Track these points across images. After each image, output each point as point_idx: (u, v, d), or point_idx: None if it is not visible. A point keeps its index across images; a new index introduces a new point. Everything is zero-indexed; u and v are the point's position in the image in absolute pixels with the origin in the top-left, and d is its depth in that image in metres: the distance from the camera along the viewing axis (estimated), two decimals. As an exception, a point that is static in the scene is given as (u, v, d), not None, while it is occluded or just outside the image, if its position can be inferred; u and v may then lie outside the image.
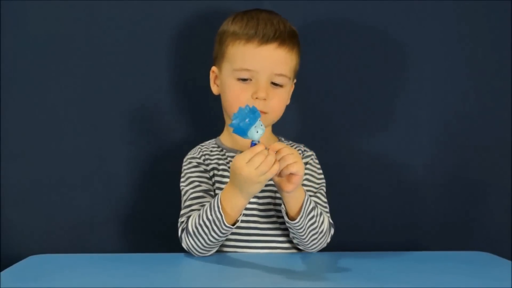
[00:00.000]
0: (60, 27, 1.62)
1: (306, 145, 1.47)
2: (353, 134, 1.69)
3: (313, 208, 1.28)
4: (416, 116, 1.69)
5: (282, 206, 1.28)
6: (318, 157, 1.46)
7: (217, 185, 1.37)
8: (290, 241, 1.37)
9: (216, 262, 1.27)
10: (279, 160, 1.19)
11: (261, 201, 1.36)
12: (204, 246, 1.28)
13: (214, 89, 1.43)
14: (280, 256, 1.34)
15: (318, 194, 1.38)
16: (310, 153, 1.44)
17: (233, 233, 1.31)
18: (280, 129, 1.48)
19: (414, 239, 1.69)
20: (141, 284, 1.12)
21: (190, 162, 1.41)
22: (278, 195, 1.34)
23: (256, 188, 1.21)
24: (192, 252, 1.30)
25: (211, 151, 1.42)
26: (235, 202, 1.23)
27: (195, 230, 1.26)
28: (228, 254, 1.34)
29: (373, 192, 1.69)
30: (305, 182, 1.38)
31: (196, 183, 1.36)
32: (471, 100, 1.69)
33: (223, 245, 1.35)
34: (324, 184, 1.42)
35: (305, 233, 1.29)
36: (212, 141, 1.47)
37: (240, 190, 1.21)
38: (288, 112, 1.44)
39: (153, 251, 1.36)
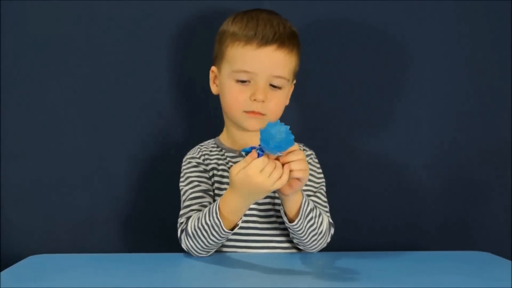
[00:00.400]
0: (60, 27, 1.62)
1: (306, 145, 1.47)
2: (353, 134, 1.68)
3: (311, 210, 1.28)
4: (416, 116, 1.69)
5: (281, 207, 1.28)
6: (317, 157, 1.46)
7: (216, 185, 1.37)
8: (289, 241, 1.37)
9: (216, 262, 1.27)
10: (286, 163, 1.18)
11: (260, 201, 1.36)
12: (204, 248, 1.28)
13: (213, 89, 1.43)
14: (280, 256, 1.34)
15: (318, 194, 1.38)
16: (309, 152, 1.45)
17: (233, 233, 1.31)
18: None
19: (414, 239, 1.69)
20: (141, 284, 1.12)
21: (189, 162, 1.41)
22: (277, 195, 1.34)
23: (262, 196, 1.22)
24: (192, 253, 1.30)
25: (211, 151, 1.42)
26: (236, 208, 1.23)
27: (194, 233, 1.27)
28: (228, 254, 1.34)
29: (373, 192, 1.69)
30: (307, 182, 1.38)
31: (196, 183, 1.36)
32: (471, 100, 1.69)
33: (222, 245, 1.35)
34: (324, 184, 1.42)
35: (304, 234, 1.29)
36: (212, 141, 1.46)
37: (245, 197, 1.21)
38: (287, 112, 1.43)
39: (153, 251, 1.36)
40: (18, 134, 1.62)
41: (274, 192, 1.34)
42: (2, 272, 1.18)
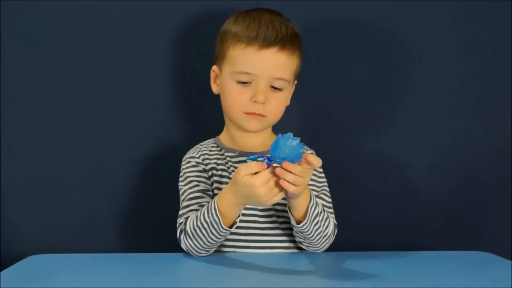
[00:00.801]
0: (60, 27, 1.62)
1: (306, 144, 1.47)
2: (353, 134, 1.68)
3: (318, 214, 1.27)
4: (416, 116, 1.69)
5: (287, 207, 1.28)
6: (318, 156, 1.45)
7: (215, 185, 1.37)
8: (290, 241, 1.37)
9: (216, 262, 1.27)
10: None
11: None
12: (203, 247, 1.28)
13: (214, 88, 1.43)
14: (281, 256, 1.33)
15: (322, 195, 1.38)
16: (310, 151, 1.44)
17: (232, 233, 1.31)
18: (281, 129, 1.48)
19: (414, 239, 1.69)
20: (141, 284, 1.12)
21: (189, 162, 1.40)
22: None
23: (259, 206, 1.25)
24: (191, 253, 1.29)
25: (210, 150, 1.42)
26: (232, 204, 1.23)
27: (193, 232, 1.26)
28: (228, 254, 1.34)
29: (373, 192, 1.69)
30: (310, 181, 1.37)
31: (195, 183, 1.36)
32: (471, 100, 1.69)
33: (222, 245, 1.35)
34: (326, 184, 1.41)
35: (312, 236, 1.28)
36: (211, 140, 1.46)
37: (243, 199, 1.21)
38: (288, 112, 1.44)
39: (153, 251, 1.36)
40: (18, 134, 1.62)
41: None
42: (2, 272, 1.18)
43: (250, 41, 1.32)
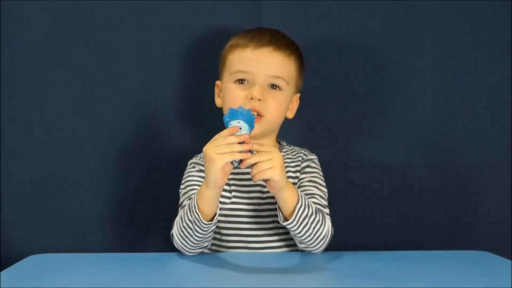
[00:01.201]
0: (61, 27, 1.62)
1: (308, 147, 1.47)
2: (353, 134, 1.69)
3: (307, 216, 1.25)
4: (416, 117, 1.69)
5: (277, 206, 1.28)
6: (318, 156, 1.45)
7: None
8: (288, 246, 1.37)
9: (216, 261, 1.27)
10: (255, 164, 1.18)
11: (255, 201, 1.36)
12: (193, 246, 1.28)
13: (218, 102, 1.45)
14: (280, 256, 1.33)
15: (318, 196, 1.37)
16: (312, 156, 1.44)
17: (229, 235, 1.32)
18: (285, 138, 1.48)
19: (414, 239, 1.69)
20: (141, 284, 1.12)
21: (194, 167, 1.41)
22: (266, 195, 1.36)
23: (215, 172, 1.18)
24: (184, 253, 1.30)
25: None
26: (205, 196, 1.22)
27: (181, 232, 1.27)
28: (227, 254, 1.34)
29: (373, 192, 1.69)
30: (306, 183, 1.37)
31: (195, 186, 1.36)
32: (471, 100, 1.69)
33: (220, 246, 1.35)
34: (325, 188, 1.40)
35: (302, 236, 1.28)
36: None
37: (206, 178, 1.21)
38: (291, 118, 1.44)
39: (153, 251, 1.37)
40: (18, 133, 1.62)
41: (266, 190, 1.34)
42: (2, 272, 1.18)
43: (246, 43, 1.36)
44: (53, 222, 1.63)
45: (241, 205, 1.36)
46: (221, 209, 1.28)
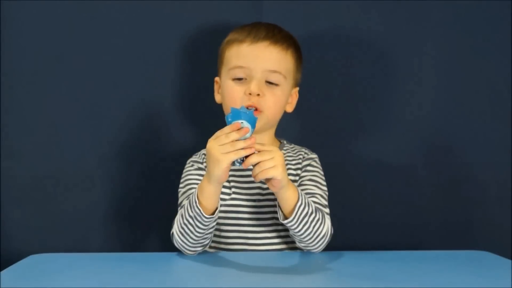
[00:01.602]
0: (61, 27, 1.62)
1: (308, 147, 1.47)
2: (353, 134, 1.69)
3: (307, 214, 1.25)
4: (416, 117, 1.69)
5: (277, 204, 1.29)
6: (319, 159, 1.45)
7: None
8: (286, 242, 1.38)
9: (216, 261, 1.27)
10: (257, 163, 1.19)
11: (255, 198, 1.37)
12: (193, 243, 1.28)
13: (217, 98, 1.45)
14: (280, 255, 1.33)
15: (318, 195, 1.37)
16: (313, 155, 1.44)
17: (229, 233, 1.32)
18: (284, 135, 1.48)
19: (414, 239, 1.69)
20: (141, 284, 1.12)
21: (192, 165, 1.41)
22: (266, 191, 1.36)
23: (219, 170, 1.18)
24: (184, 251, 1.30)
25: None
26: (206, 191, 1.23)
27: (182, 230, 1.27)
28: (227, 253, 1.34)
29: (373, 192, 1.69)
30: (307, 182, 1.38)
31: (194, 185, 1.36)
32: (471, 100, 1.69)
33: (220, 242, 1.36)
34: (326, 187, 1.40)
35: (301, 235, 1.28)
36: None
37: (208, 174, 1.21)
38: (288, 115, 1.44)
39: (153, 251, 1.37)
40: (18, 133, 1.62)
41: (266, 189, 1.34)
42: (2, 272, 1.18)
43: (242, 39, 1.36)
44: (53, 222, 1.63)
45: (240, 201, 1.37)
46: (220, 205, 1.28)
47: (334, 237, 1.34)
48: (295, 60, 1.40)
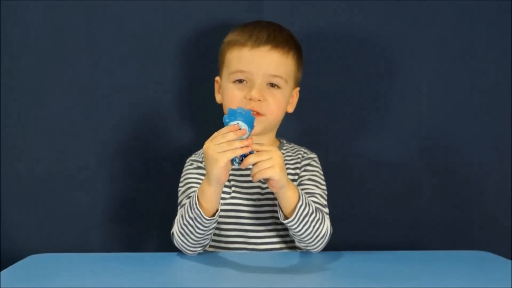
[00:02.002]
0: (61, 27, 1.62)
1: (307, 147, 1.47)
2: (353, 134, 1.69)
3: (307, 214, 1.26)
4: (416, 116, 1.69)
5: (277, 202, 1.29)
6: (319, 158, 1.45)
7: None
8: (285, 242, 1.37)
9: (216, 261, 1.27)
10: (255, 163, 1.19)
11: (254, 197, 1.37)
12: (193, 243, 1.28)
13: (218, 98, 1.45)
14: (280, 256, 1.33)
15: (318, 195, 1.37)
16: (312, 155, 1.44)
17: (229, 233, 1.32)
18: (284, 135, 1.48)
19: (414, 239, 1.69)
20: (141, 284, 1.12)
21: (191, 164, 1.41)
22: (265, 191, 1.36)
23: (217, 170, 1.19)
24: (184, 251, 1.30)
25: None
26: (206, 193, 1.23)
27: (182, 231, 1.27)
28: (227, 253, 1.34)
29: (373, 192, 1.69)
30: (306, 182, 1.38)
31: (194, 184, 1.36)
32: (471, 100, 1.69)
33: (220, 241, 1.36)
34: (325, 187, 1.41)
35: (301, 234, 1.28)
36: None
37: (207, 175, 1.21)
38: (287, 114, 1.43)
39: (153, 251, 1.37)
40: (18, 133, 1.62)
41: (266, 188, 1.34)
42: (2, 272, 1.18)
43: (243, 42, 1.35)
44: (53, 222, 1.63)
45: (240, 200, 1.37)
46: (221, 204, 1.28)
47: (333, 236, 1.34)
48: (296, 62, 1.40)
